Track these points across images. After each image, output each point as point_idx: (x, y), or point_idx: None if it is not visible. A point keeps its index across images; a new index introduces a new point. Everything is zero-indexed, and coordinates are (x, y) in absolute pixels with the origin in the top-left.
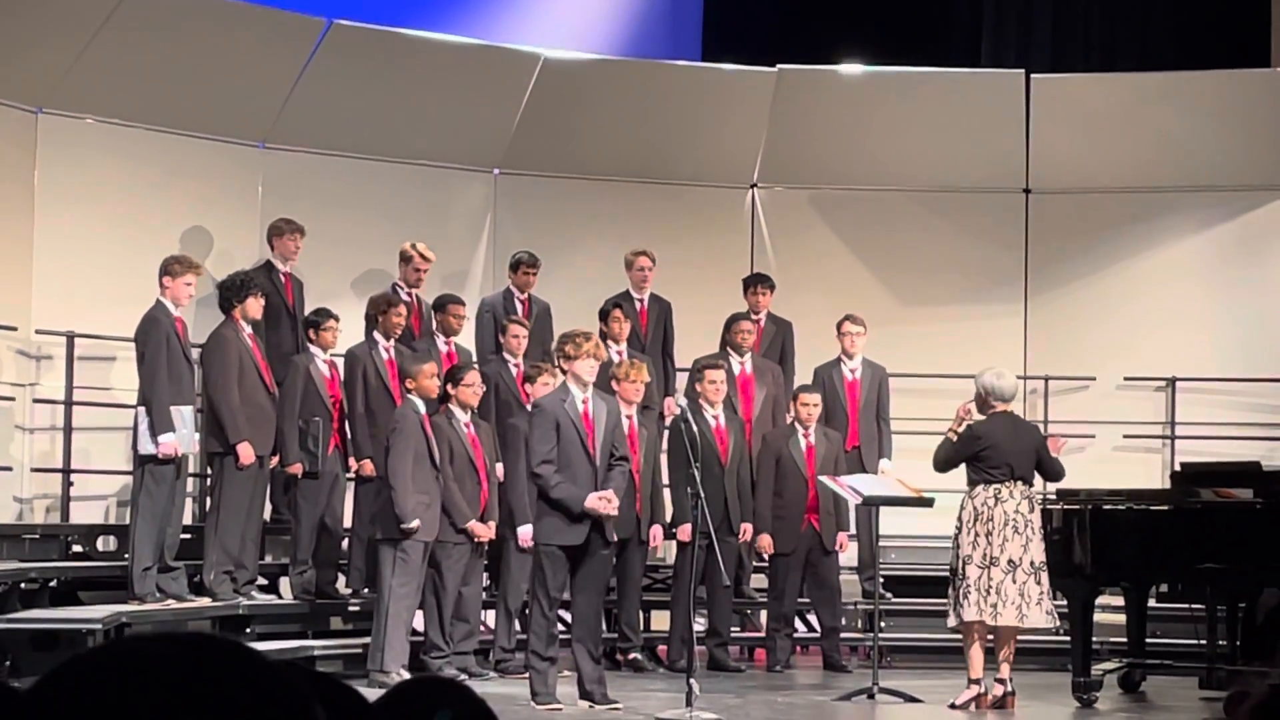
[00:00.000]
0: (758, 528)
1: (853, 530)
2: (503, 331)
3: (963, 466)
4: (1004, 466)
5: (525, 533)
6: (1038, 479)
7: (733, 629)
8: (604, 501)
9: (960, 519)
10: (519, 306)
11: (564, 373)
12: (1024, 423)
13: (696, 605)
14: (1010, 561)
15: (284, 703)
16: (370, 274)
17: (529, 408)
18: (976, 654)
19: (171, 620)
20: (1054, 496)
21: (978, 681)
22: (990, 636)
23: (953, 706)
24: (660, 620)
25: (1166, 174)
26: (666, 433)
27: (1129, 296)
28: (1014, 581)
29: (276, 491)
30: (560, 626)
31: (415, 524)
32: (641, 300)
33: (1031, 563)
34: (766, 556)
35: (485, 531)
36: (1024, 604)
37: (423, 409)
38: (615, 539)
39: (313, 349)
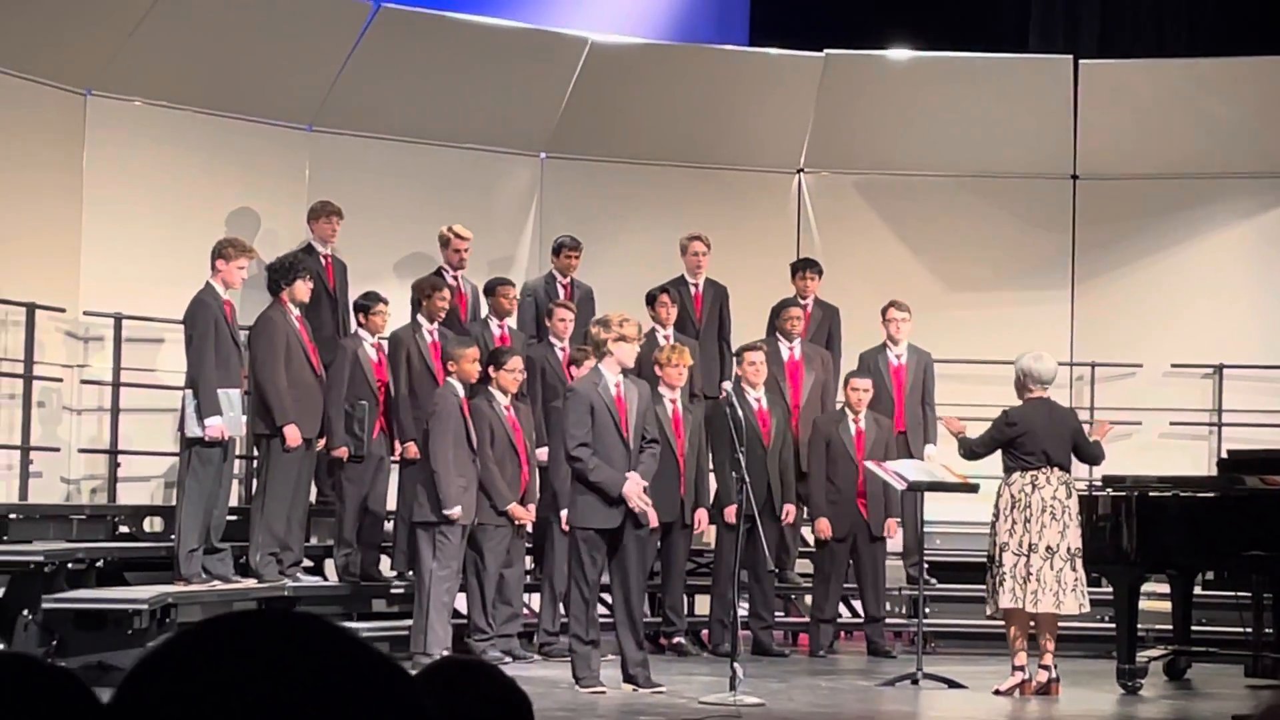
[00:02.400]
0: (813, 513)
1: (898, 516)
2: (548, 315)
3: (998, 453)
4: (1039, 453)
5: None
6: (1076, 464)
7: (776, 613)
8: (639, 496)
9: (997, 506)
10: (561, 290)
11: (600, 356)
12: (1060, 408)
13: (740, 589)
14: (1048, 548)
15: (391, 686)
16: (415, 257)
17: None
18: (1020, 641)
19: (217, 601)
20: (1100, 483)
21: (1021, 668)
22: (1032, 624)
23: (997, 693)
24: (704, 604)
25: (1215, 160)
26: (711, 415)
27: (1176, 283)
28: (1051, 568)
29: (321, 474)
30: (603, 610)
31: (457, 511)
32: (696, 285)
33: (1068, 549)
34: (814, 541)
35: (525, 514)
36: (1060, 590)
37: (462, 392)
38: (655, 524)
39: (361, 332)
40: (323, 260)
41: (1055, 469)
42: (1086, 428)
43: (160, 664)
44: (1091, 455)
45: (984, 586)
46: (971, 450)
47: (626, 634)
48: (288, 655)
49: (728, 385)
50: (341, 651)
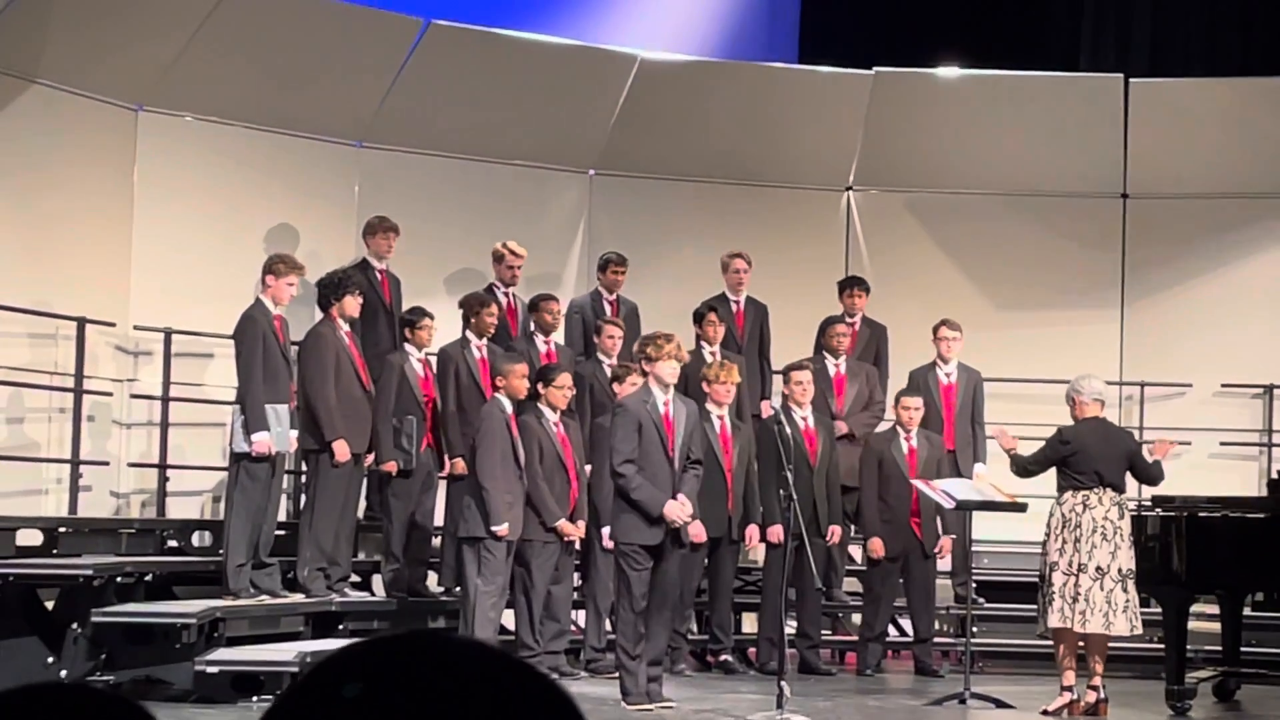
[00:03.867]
0: (866, 532)
1: (954, 534)
2: (597, 332)
3: (1053, 472)
4: (1091, 473)
5: (610, 533)
6: (1131, 484)
7: (823, 632)
8: (682, 512)
9: (1049, 525)
10: (607, 307)
11: (645, 374)
12: (1115, 429)
13: (787, 607)
14: (1098, 568)
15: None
16: (465, 273)
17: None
18: (1068, 661)
19: (265, 616)
20: (1150, 503)
21: (1070, 688)
22: (1081, 644)
23: (1045, 713)
24: (751, 622)
25: (1266, 180)
26: (758, 434)
27: (1226, 303)
28: (1101, 589)
29: (369, 489)
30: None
31: (504, 528)
32: (738, 302)
33: (1119, 570)
34: (866, 560)
35: (574, 530)
36: (1111, 611)
37: (509, 408)
38: (698, 540)
39: (408, 347)
40: (378, 275)
41: (1108, 489)
42: (1144, 448)
43: (315, 686)
44: (1150, 475)
45: (1033, 606)
46: (1024, 467)
47: (648, 647)
48: (447, 677)
49: (771, 404)
50: (502, 673)
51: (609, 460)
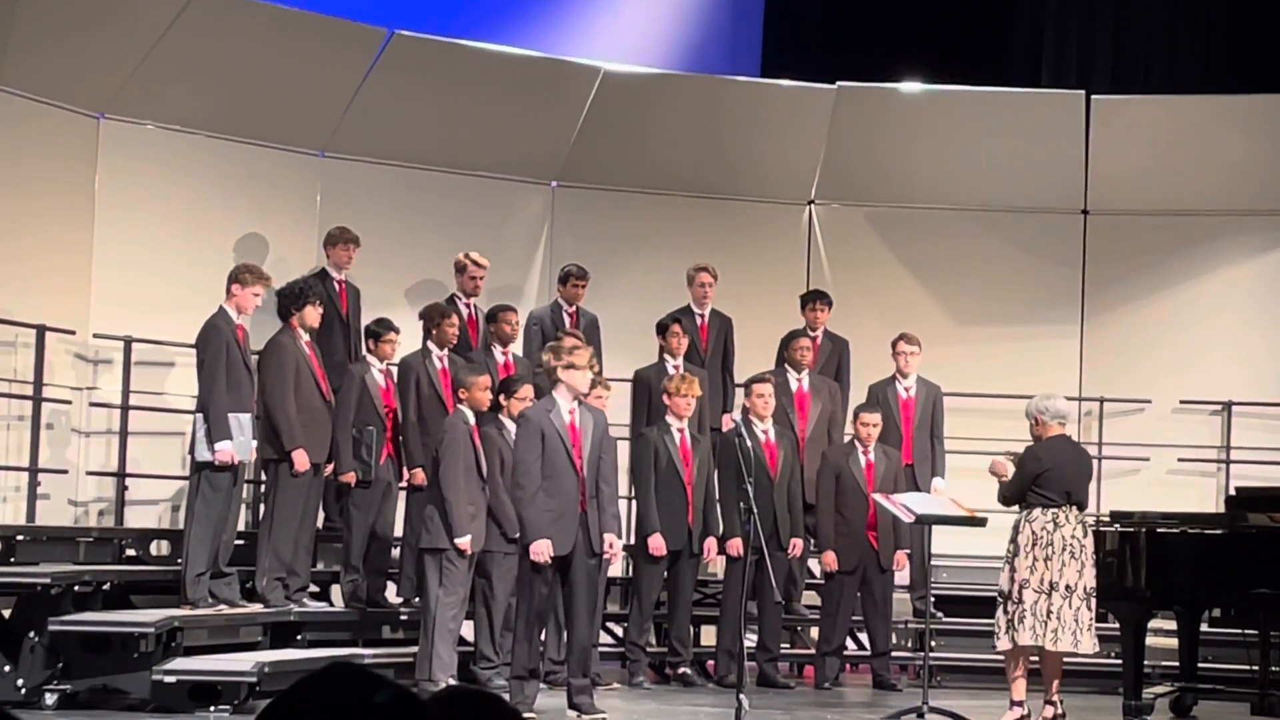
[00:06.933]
0: (821, 545)
1: (908, 548)
2: None
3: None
4: (1061, 492)
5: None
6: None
7: (782, 645)
8: (545, 553)
9: (1016, 541)
10: (566, 319)
11: (554, 384)
12: (1081, 447)
13: (746, 620)
14: (1068, 587)
15: None
16: (426, 284)
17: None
18: (1020, 676)
19: (223, 625)
20: (1109, 519)
21: (1020, 703)
22: (1035, 658)
23: None
24: (710, 635)
25: (1226, 197)
26: (719, 446)
27: (1186, 319)
28: (1070, 607)
29: (328, 499)
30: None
31: (468, 540)
32: (702, 315)
33: (1085, 588)
34: (822, 573)
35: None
36: (1078, 629)
37: (471, 419)
38: (601, 552)
39: (369, 358)
40: (336, 285)
41: (1074, 508)
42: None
43: None
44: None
45: (991, 621)
46: (1008, 497)
47: (572, 660)
48: None
49: (737, 416)
50: None
51: (513, 471)
